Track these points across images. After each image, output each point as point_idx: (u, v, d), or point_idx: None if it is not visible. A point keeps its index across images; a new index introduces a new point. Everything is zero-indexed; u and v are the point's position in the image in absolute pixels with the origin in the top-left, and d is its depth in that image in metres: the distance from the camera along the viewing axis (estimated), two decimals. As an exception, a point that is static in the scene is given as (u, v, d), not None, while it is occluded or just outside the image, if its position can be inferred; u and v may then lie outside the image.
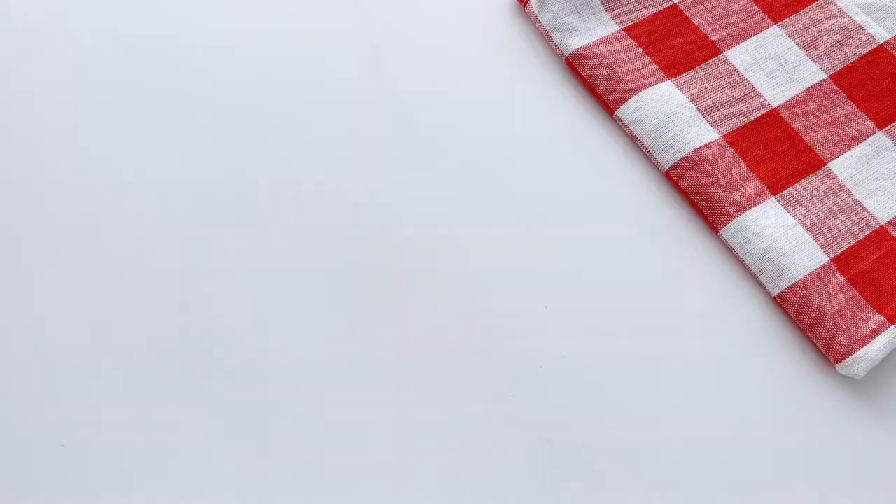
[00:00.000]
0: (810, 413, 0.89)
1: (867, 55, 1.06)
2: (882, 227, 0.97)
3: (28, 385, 0.87)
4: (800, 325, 0.92)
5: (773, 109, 1.04)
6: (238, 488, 0.82)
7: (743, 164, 1.00)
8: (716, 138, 1.02)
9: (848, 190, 0.99)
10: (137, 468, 0.83)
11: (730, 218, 0.97)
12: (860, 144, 1.01)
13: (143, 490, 0.82)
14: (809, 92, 1.04)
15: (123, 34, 1.08)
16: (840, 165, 1.00)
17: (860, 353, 0.88)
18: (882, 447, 0.88)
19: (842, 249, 0.95)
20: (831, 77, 1.05)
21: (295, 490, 0.82)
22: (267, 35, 1.09)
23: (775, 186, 0.99)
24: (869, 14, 1.09)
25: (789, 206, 0.98)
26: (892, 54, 1.06)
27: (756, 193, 0.98)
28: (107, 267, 0.92)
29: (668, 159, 1.00)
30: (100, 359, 0.88)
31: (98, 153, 1.00)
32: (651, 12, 1.10)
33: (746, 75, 1.06)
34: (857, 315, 0.91)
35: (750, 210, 0.97)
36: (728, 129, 1.03)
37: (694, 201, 0.99)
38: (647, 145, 1.02)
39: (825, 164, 1.00)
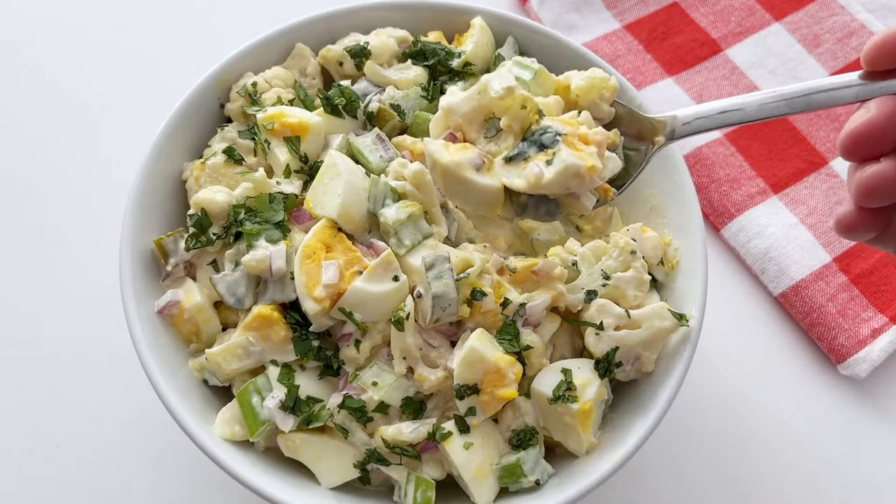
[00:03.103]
0: (811, 414, 0.89)
1: (869, 53, 1.05)
2: (884, 226, 0.96)
3: None
4: (801, 325, 0.92)
5: (775, 108, 1.03)
6: None
7: (745, 163, 0.99)
8: (717, 137, 1.01)
9: (850, 189, 0.98)
10: None
11: (731, 217, 0.96)
12: (862, 143, 1.01)
13: None
14: (811, 90, 1.04)
15: None
16: (842, 164, 1.00)
17: (862, 353, 0.88)
18: (884, 448, 0.87)
19: (844, 249, 0.94)
20: (833, 75, 1.04)
21: None
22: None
23: (777, 185, 0.98)
24: (871, 12, 1.08)
25: (791, 204, 0.97)
26: (894, 52, 1.05)
27: (758, 192, 0.98)
28: None
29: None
30: None
31: None
32: (652, 10, 1.09)
33: (748, 73, 1.05)
34: (858, 315, 0.90)
35: (751, 209, 0.97)
36: (730, 128, 1.02)
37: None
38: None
39: (827, 162, 1.00)
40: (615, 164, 0.66)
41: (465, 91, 0.68)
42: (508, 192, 0.67)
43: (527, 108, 0.65)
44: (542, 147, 0.64)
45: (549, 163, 0.63)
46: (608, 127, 0.69)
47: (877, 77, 0.54)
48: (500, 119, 0.66)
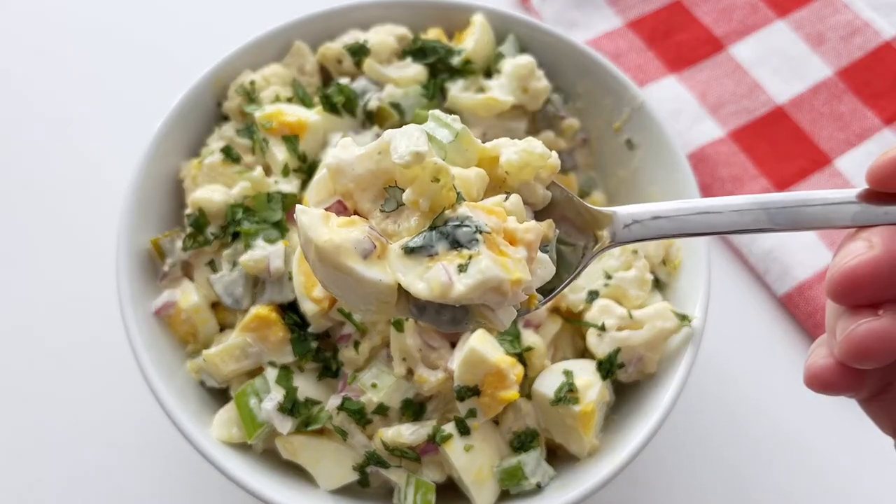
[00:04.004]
0: (814, 415, 0.88)
1: (874, 51, 1.04)
2: (888, 225, 0.96)
3: None
4: (805, 325, 0.91)
5: (779, 106, 1.02)
6: None
7: (748, 162, 0.99)
8: (721, 135, 1.00)
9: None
10: None
11: (734, 216, 0.96)
12: (866, 142, 1.00)
13: None
14: (815, 89, 1.03)
15: None
16: (846, 163, 0.99)
17: (866, 354, 0.87)
18: (887, 450, 0.87)
19: (848, 249, 0.94)
20: (837, 73, 1.03)
21: None
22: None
23: (781, 184, 0.98)
24: (875, 9, 1.07)
25: (795, 204, 0.97)
26: (898, 50, 1.04)
27: (761, 191, 0.97)
28: None
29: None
30: None
31: None
32: (654, 7, 1.09)
33: (751, 71, 1.04)
34: (863, 316, 0.89)
35: (755, 208, 0.96)
36: (733, 126, 1.01)
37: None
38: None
39: (831, 161, 0.99)
40: (547, 269, 0.53)
41: (362, 147, 0.52)
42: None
43: (440, 182, 0.49)
44: (456, 244, 0.49)
45: (462, 269, 0.48)
46: (541, 216, 0.56)
47: (882, 200, 0.44)
48: (402, 190, 0.51)
